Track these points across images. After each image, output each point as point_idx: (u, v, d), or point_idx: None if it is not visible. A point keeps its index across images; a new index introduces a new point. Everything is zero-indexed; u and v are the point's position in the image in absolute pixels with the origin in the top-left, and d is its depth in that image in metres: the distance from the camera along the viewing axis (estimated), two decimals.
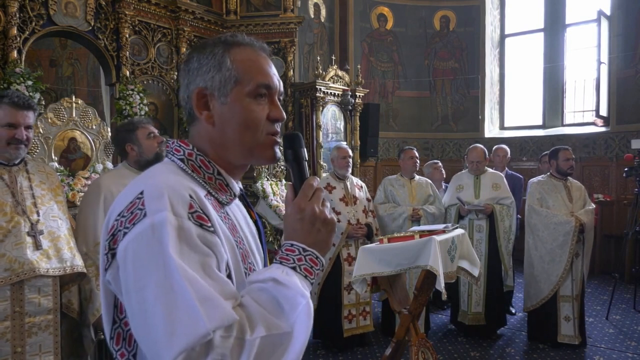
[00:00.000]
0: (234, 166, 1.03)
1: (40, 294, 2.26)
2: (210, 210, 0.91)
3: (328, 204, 0.99)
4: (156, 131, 2.72)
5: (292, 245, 0.94)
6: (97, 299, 2.53)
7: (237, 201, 1.06)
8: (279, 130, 1.03)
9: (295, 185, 0.99)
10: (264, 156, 1.02)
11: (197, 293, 0.78)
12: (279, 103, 1.03)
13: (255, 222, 1.11)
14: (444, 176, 5.79)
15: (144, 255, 0.81)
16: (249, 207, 1.12)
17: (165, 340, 0.76)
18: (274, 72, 1.03)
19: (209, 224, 0.87)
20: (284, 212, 1.08)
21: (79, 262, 2.40)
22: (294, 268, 0.91)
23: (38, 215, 2.29)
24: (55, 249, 2.30)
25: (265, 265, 1.10)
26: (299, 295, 0.87)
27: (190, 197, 0.88)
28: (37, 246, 2.24)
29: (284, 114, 1.04)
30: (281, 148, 1.03)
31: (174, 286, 0.78)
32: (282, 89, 1.05)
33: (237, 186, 1.05)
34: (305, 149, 1.03)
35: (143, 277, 0.80)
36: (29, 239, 2.22)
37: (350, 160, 4.47)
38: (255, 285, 0.89)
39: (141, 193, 0.87)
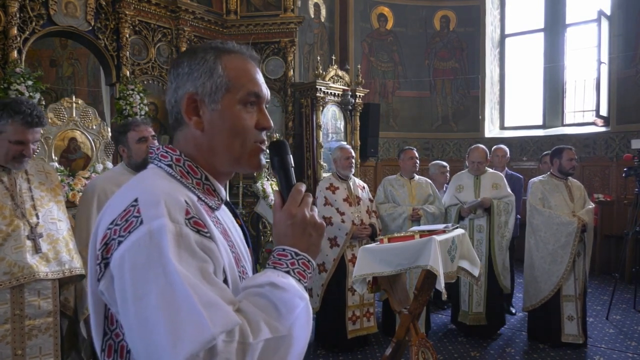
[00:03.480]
0: (220, 172, 1.03)
1: (40, 296, 2.26)
2: (205, 215, 0.91)
3: (316, 209, 1.02)
4: (152, 134, 2.68)
5: (284, 250, 0.96)
6: (87, 298, 2.53)
7: (223, 206, 1.07)
8: (265, 138, 1.04)
9: (283, 192, 1.02)
10: (249, 164, 1.03)
11: (200, 298, 0.77)
12: (266, 112, 1.04)
13: (241, 227, 1.12)
14: (447, 180, 5.78)
15: (143, 263, 0.79)
16: (233, 212, 1.12)
17: (169, 348, 0.75)
18: (262, 80, 1.05)
19: (206, 230, 0.87)
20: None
21: (77, 265, 2.40)
22: (287, 272, 0.92)
23: (37, 217, 2.29)
24: (54, 251, 2.30)
25: (254, 268, 1.10)
26: (297, 297, 0.88)
27: (186, 203, 0.87)
28: (37, 249, 2.24)
29: (272, 122, 1.05)
30: (267, 155, 1.05)
31: (176, 292, 0.77)
32: (269, 97, 1.06)
33: (223, 191, 1.06)
34: (291, 156, 1.04)
35: (142, 286, 0.78)
36: (28, 243, 2.22)
37: (353, 160, 4.47)
38: (251, 290, 0.89)
39: (135, 200, 0.85)
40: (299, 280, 0.92)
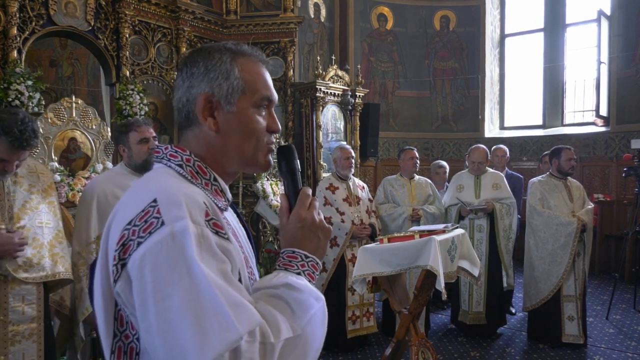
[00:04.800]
0: (228, 173, 1.04)
1: (25, 302, 2.24)
2: (220, 217, 0.91)
3: (321, 213, 1.04)
4: (153, 135, 2.66)
5: (293, 252, 0.98)
6: (87, 298, 2.52)
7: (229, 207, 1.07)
8: (273, 140, 1.07)
9: (289, 196, 1.03)
10: (260, 165, 1.04)
11: (227, 299, 0.78)
12: (275, 115, 1.06)
13: (245, 228, 1.13)
14: (446, 179, 5.78)
15: (165, 265, 0.79)
16: (237, 213, 1.13)
17: (195, 349, 0.75)
18: (272, 84, 1.07)
19: (224, 231, 0.88)
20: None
21: (61, 269, 2.37)
22: (299, 274, 0.94)
23: (24, 222, 2.25)
24: (37, 257, 2.27)
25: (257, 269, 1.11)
26: (312, 298, 0.91)
27: (205, 204, 0.88)
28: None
29: (280, 125, 1.08)
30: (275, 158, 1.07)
31: (202, 293, 0.77)
32: (276, 100, 1.09)
33: (229, 192, 1.06)
34: (298, 161, 1.07)
35: (165, 287, 0.78)
36: None
37: (353, 160, 4.47)
38: (266, 291, 0.91)
39: (154, 201, 0.85)
40: (309, 281, 0.95)
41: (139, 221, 0.83)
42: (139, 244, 0.81)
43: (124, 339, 0.89)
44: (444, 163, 5.91)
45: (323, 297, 0.93)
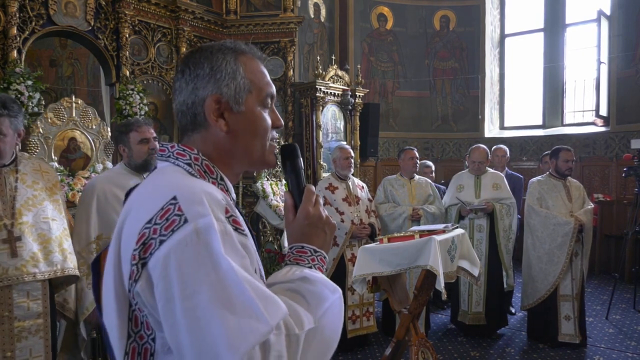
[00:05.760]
0: (234, 173, 1.05)
1: (30, 298, 2.24)
2: (238, 213, 0.92)
3: (325, 210, 1.07)
4: (153, 135, 2.65)
5: (303, 247, 1.00)
6: (87, 298, 2.52)
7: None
8: (276, 136, 1.09)
9: (293, 193, 1.06)
10: (266, 162, 1.05)
11: (256, 292, 0.79)
12: (276, 110, 1.08)
13: (248, 227, 1.14)
14: (433, 179, 5.78)
15: (191, 262, 0.78)
16: (240, 213, 1.14)
17: (227, 343, 0.75)
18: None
19: (243, 228, 0.89)
20: (283, 213, 1.14)
21: (70, 265, 2.36)
22: (310, 268, 0.97)
23: (28, 217, 2.24)
24: (45, 252, 2.26)
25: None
26: (328, 290, 0.93)
27: (223, 201, 0.88)
28: (13, 254, 2.17)
29: (282, 121, 1.10)
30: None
31: (231, 288, 0.78)
32: (275, 95, 1.10)
33: (234, 192, 1.07)
34: (301, 159, 1.10)
35: (192, 284, 0.77)
36: (5, 246, 2.18)
37: (352, 160, 4.47)
38: (282, 285, 0.92)
39: (174, 198, 0.84)
40: None
41: (159, 219, 0.82)
42: (161, 242, 0.80)
43: (138, 340, 0.88)
44: (430, 163, 5.92)
45: (339, 289, 0.95)
